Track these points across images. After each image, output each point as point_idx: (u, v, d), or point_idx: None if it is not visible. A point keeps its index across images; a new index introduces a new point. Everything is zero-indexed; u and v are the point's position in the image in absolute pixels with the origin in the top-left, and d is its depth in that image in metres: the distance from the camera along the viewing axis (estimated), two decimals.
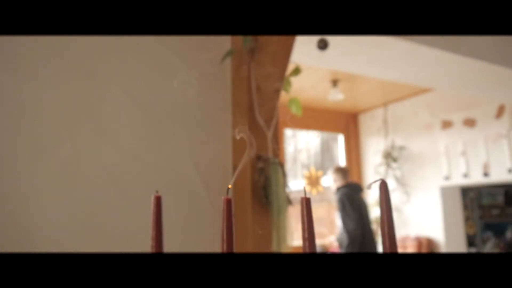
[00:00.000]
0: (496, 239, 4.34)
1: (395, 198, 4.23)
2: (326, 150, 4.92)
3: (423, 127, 4.17)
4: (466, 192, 4.29)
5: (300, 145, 4.83)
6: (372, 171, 4.57)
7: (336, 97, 3.74)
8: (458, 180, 3.84)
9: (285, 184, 1.47)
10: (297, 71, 1.59)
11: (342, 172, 3.47)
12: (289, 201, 1.47)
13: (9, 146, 1.18)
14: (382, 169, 4.37)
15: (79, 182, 1.26)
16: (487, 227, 4.40)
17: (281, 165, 1.49)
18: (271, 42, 1.45)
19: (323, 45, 1.68)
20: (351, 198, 3.28)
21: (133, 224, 1.30)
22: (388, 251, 0.50)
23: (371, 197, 4.32)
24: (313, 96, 4.11)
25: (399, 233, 4.11)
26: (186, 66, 1.50)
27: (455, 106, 3.88)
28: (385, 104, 4.51)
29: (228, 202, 0.52)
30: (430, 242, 4.02)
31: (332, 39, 1.91)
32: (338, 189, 3.40)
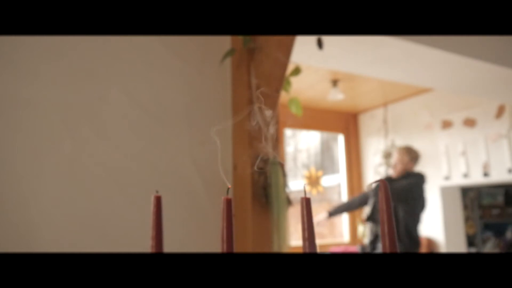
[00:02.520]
0: (496, 239, 4.34)
1: None
2: (326, 150, 4.92)
3: (423, 127, 4.17)
4: (466, 192, 4.29)
5: (300, 145, 4.82)
6: (372, 171, 4.57)
7: (336, 97, 3.74)
8: (458, 180, 3.84)
9: (285, 184, 1.47)
10: (297, 71, 1.59)
11: (413, 153, 2.99)
12: (289, 201, 1.47)
13: (9, 145, 1.18)
14: (382, 169, 4.37)
15: (79, 182, 1.26)
16: (487, 227, 4.40)
17: (281, 165, 1.49)
18: (271, 42, 1.45)
19: (320, 44, 1.68)
20: (423, 190, 2.84)
21: (133, 224, 1.30)
22: (388, 251, 0.50)
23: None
24: (313, 96, 4.11)
25: None
26: (186, 66, 1.50)
27: (455, 106, 3.88)
28: (385, 104, 4.51)
29: (228, 202, 0.52)
30: (430, 242, 4.02)
31: (332, 39, 1.91)
32: (409, 174, 2.94)
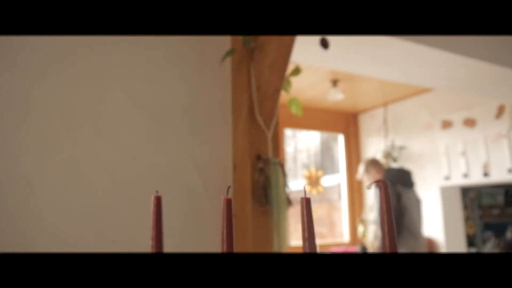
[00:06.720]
0: (496, 239, 4.34)
1: None
2: (326, 150, 4.92)
3: (423, 127, 4.17)
4: (466, 192, 4.29)
5: (300, 145, 4.82)
6: None
7: (336, 97, 3.74)
8: (458, 180, 3.84)
9: (285, 184, 1.47)
10: (297, 71, 1.59)
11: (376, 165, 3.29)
12: (289, 201, 1.47)
13: (9, 145, 1.18)
14: None
15: (79, 182, 1.26)
16: (487, 227, 4.40)
17: (281, 165, 1.49)
18: (271, 42, 1.45)
19: (324, 44, 1.67)
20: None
21: (133, 224, 1.30)
22: (388, 251, 0.50)
23: (371, 197, 4.32)
24: (313, 96, 4.11)
25: None
26: (186, 66, 1.50)
27: (455, 106, 3.88)
28: (385, 104, 4.51)
29: (228, 202, 0.52)
30: (430, 242, 4.02)
31: (332, 39, 1.91)
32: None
